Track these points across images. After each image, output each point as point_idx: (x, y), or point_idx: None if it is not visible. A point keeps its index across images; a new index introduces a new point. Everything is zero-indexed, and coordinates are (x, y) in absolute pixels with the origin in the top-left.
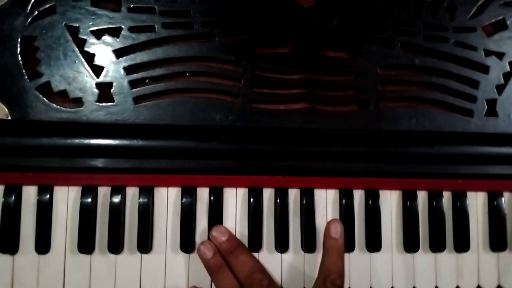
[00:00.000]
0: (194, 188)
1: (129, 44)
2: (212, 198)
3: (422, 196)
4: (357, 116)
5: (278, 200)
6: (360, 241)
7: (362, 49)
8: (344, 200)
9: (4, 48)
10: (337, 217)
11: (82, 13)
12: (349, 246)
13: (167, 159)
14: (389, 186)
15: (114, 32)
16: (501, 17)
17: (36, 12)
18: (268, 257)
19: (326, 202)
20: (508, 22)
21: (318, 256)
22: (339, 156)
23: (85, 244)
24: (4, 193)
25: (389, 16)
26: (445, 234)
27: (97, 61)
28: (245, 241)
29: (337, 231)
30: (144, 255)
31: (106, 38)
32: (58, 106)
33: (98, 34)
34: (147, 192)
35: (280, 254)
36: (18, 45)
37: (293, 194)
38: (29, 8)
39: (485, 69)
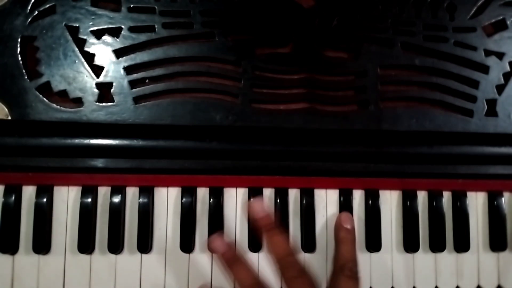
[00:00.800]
0: (194, 188)
1: (129, 44)
2: (212, 198)
3: (422, 196)
4: (357, 116)
5: (278, 200)
6: (360, 241)
7: (362, 49)
8: (344, 200)
9: (4, 48)
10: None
11: (82, 13)
12: None
13: (167, 159)
14: (389, 186)
15: (114, 32)
16: (501, 17)
17: (36, 12)
18: (268, 257)
19: (326, 202)
20: (508, 22)
21: (318, 256)
22: (339, 156)
23: (85, 244)
24: (4, 193)
25: (389, 16)
26: (445, 234)
27: (97, 61)
28: (245, 241)
29: (349, 222)
30: (144, 255)
31: (106, 38)
32: (58, 106)
33: (98, 34)
34: (147, 192)
35: None
36: (18, 45)
37: (293, 194)
38: (29, 8)
39: (485, 69)
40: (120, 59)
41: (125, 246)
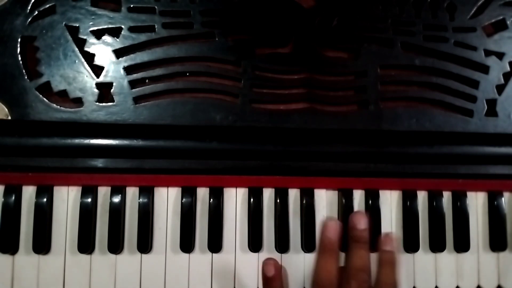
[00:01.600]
0: (194, 188)
1: (129, 44)
2: (212, 198)
3: (422, 196)
4: (357, 116)
5: (278, 200)
6: None
7: (362, 49)
8: (344, 200)
9: (4, 48)
10: (337, 217)
11: (82, 13)
12: None
13: (167, 159)
14: (389, 186)
15: (114, 32)
16: (501, 17)
17: (36, 12)
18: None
19: (326, 202)
20: (508, 22)
21: None
22: (339, 156)
23: (85, 244)
24: (4, 193)
25: (389, 16)
26: (445, 234)
27: (97, 61)
28: (245, 241)
29: (363, 221)
30: (144, 255)
31: (106, 38)
32: (58, 106)
33: (98, 34)
34: (147, 192)
35: (280, 254)
36: (18, 45)
37: (293, 194)
38: (29, 8)
39: (485, 69)
40: (120, 59)
41: (125, 246)
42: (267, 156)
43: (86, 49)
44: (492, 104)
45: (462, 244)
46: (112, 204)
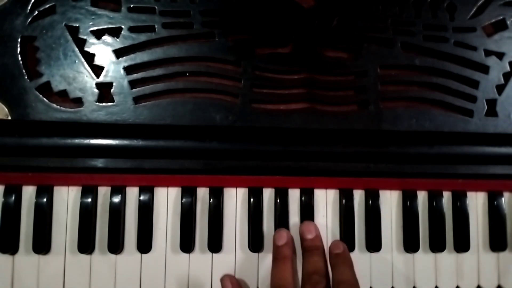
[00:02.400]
0: (194, 188)
1: (129, 44)
2: (212, 198)
3: (422, 196)
4: (357, 116)
5: (278, 200)
6: (360, 241)
7: (362, 49)
8: (344, 200)
9: (4, 48)
10: (337, 217)
11: (82, 13)
12: (349, 246)
13: (167, 159)
14: (389, 186)
15: (114, 32)
16: (501, 17)
17: (36, 12)
18: (268, 257)
19: (326, 202)
20: (508, 22)
21: None
22: (339, 156)
23: (85, 244)
24: (4, 193)
25: (389, 16)
26: (445, 234)
27: (97, 61)
28: (245, 241)
29: (311, 230)
30: (144, 255)
31: (106, 38)
32: (58, 106)
33: (98, 34)
34: (147, 192)
35: None
36: (18, 45)
37: (293, 194)
38: (29, 8)
39: (485, 69)
40: (120, 59)
41: (125, 246)
42: (267, 156)
43: (86, 49)
44: (492, 104)
45: (462, 244)
46: (112, 204)
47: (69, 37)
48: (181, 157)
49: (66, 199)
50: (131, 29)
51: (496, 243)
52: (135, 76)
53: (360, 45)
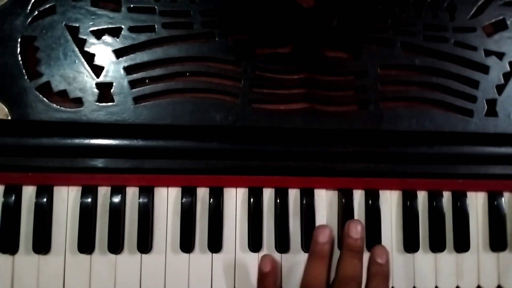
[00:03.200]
0: (194, 188)
1: (129, 44)
2: (212, 198)
3: (422, 196)
4: (357, 116)
5: (278, 200)
6: None
7: (362, 49)
8: (344, 200)
9: (4, 48)
10: (336, 217)
11: (82, 13)
12: None
13: (167, 159)
14: (389, 186)
15: (114, 32)
16: (501, 17)
17: (36, 12)
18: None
19: (326, 202)
20: (508, 22)
21: None
22: (339, 156)
23: (85, 244)
24: (4, 193)
25: (389, 16)
26: (445, 234)
27: (97, 61)
28: (245, 241)
29: (357, 230)
30: (144, 255)
31: (106, 38)
32: (58, 106)
33: (98, 34)
34: (147, 192)
35: (280, 254)
36: (18, 45)
37: (293, 194)
38: (29, 8)
39: (485, 69)
40: (120, 59)
41: (125, 246)
42: (267, 156)
43: (86, 49)
44: (492, 104)
45: (462, 244)
46: (112, 204)
47: (69, 37)
48: (181, 157)
49: (66, 199)
50: (131, 29)
51: (496, 243)
52: (135, 76)
53: (360, 45)
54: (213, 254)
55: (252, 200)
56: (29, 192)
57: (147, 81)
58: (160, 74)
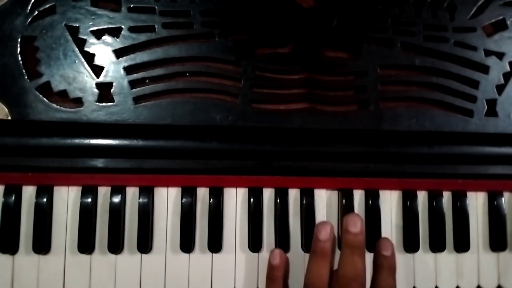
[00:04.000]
0: (194, 188)
1: (129, 44)
2: (212, 198)
3: (422, 196)
4: (357, 116)
5: (278, 200)
6: None
7: (362, 49)
8: (344, 200)
9: (4, 48)
10: (337, 217)
11: (82, 13)
12: None
13: (167, 159)
14: (389, 186)
15: (114, 32)
16: (501, 17)
17: (36, 12)
18: (268, 257)
19: (326, 202)
20: (508, 22)
21: None
22: (339, 156)
23: (85, 244)
24: (4, 193)
25: (389, 16)
26: (445, 234)
27: (97, 61)
28: (245, 241)
29: (356, 224)
30: (144, 255)
31: (106, 38)
32: (58, 106)
33: (98, 34)
34: (147, 192)
35: None
36: (18, 45)
37: (293, 194)
38: (29, 8)
39: (485, 69)
40: (120, 59)
41: (125, 246)
42: (267, 156)
43: (86, 49)
44: (492, 104)
45: (462, 244)
46: (112, 204)
47: (69, 37)
48: (181, 157)
49: (66, 199)
50: (131, 29)
51: (496, 243)
52: (135, 76)
53: (360, 45)
54: (213, 254)
55: (252, 200)
56: (29, 192)
57: (147, 81)
58: (160, 74)
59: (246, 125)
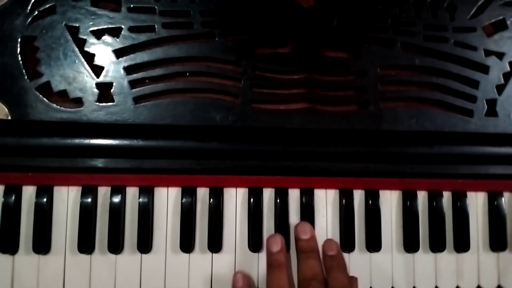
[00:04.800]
0: (194, 188)
1: (129, 44)
2: (212, 198)
3: (422, 196)
4: (357, 116)
5: (278, 200)
6: (360, 241)
7: (362, 49)
8: (344, 200)
9: (4, 48)
10: (337, 217)
11: (82, 13)
12: (349, 246)
13: (167, 159)
14: (389, 186)
15: (114, 32)
16: (501, 17)
17: (36, 12)
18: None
19: (326, 202)
20: (508, 22)
21: None
22: (339, 156)
23: (85, 244)
24: (4, 193)
25: (389, 16)
26: (445, 234)
27: (97, 61)
28: (245, 241)
29: (306, 231)
30: (144, 255)
31: (106, 38)
32: (58, 106)
33: (98, 34)
34: (147, 192)
35: None
36: (18, 45)
37: (293, 194)
38: (29, 8)
39: (485, 69)
40: (120, 59)
41: (125, 246)
42: (267, 156)
43: (86, 49)
44: (492, 104)
45: (462, 244)
46: (112, 204)
47: (69, 37)
48: (181, 157)
49: (66, 199)
50: (131, 29)
51: (496, 243)
52: (135, 76)
53: (360, 45)
54: (213, 254)
55: (252, 200)
56: (29, 192)
57: (147, 81)
58: (160, 74)
59: (246, 125)
